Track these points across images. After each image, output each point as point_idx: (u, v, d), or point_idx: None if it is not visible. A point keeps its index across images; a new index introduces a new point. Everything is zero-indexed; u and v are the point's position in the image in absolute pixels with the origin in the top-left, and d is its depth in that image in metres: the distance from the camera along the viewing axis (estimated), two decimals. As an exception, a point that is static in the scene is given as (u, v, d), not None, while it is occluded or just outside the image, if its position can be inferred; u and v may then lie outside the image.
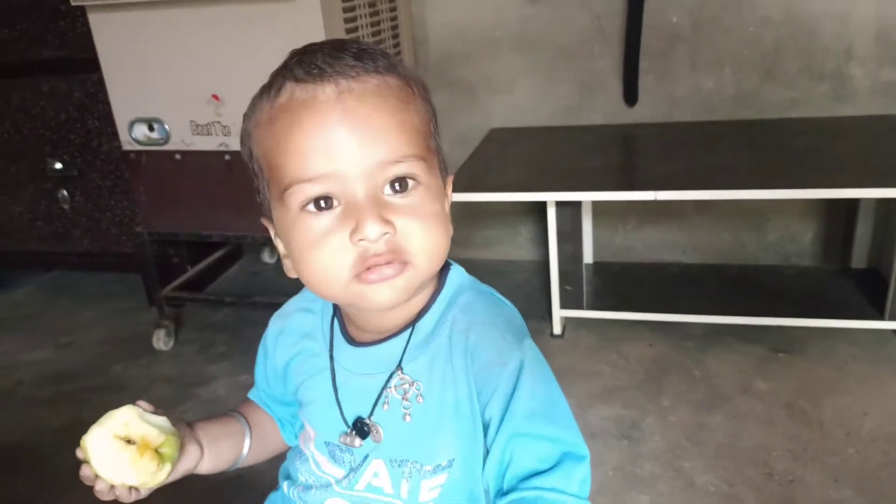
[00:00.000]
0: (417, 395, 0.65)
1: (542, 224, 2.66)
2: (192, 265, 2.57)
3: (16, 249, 2.66)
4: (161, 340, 2.28)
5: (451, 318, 0.66)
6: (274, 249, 2.94)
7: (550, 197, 2.01)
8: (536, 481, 0.59)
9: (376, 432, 0.67)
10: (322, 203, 0.58)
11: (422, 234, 0.59)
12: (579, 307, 2.16)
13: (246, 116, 0.63)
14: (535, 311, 2.29)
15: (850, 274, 2.28)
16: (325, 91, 0.56)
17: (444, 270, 0.69)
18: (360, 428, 0.67)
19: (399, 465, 0.67)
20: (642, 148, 2.38)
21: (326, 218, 0.58)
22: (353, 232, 0.57)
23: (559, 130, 2.50)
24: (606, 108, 2.47)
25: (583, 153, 2.28)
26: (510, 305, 0.70)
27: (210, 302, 2.49)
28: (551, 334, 2.17)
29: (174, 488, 0.71)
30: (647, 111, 2.43)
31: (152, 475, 0.65)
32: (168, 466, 0.66)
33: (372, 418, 0.67)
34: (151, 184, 2.19)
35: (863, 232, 2.32)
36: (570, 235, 2.12)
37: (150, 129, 2.11)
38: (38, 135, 2.49)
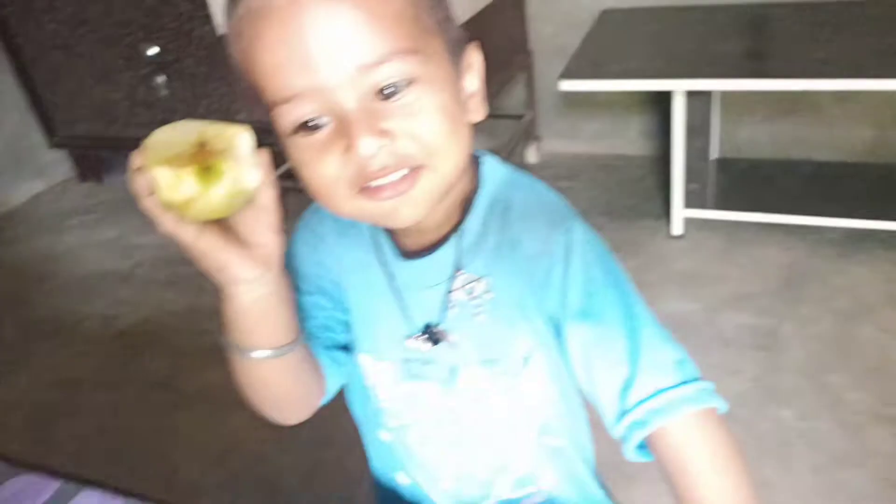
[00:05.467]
0: (486, 291, 0.61)
1: (656, 116, 2.47)
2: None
3: (119, 135, 2.64)
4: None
5: (499, 213, 0.61)
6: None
7: (679, 85, 1.83)
8: (633, 395, 0.54)
9: (450, 338, 0.63)
10: (310, 125, 0.52)
11: (428, 131, 0.52)
12: (703, 206, 2.01)
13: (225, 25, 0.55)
14: (649, 210, 2.14)
15: None
16: None
17: (476, 164, 0.63)
18: (431, 335, 0.64)
19: (491, 364, 0.63)
20: (780, 30, 2.12)
21: (318, 137, 0.52)
22: (346, 150, 0.51)
23: (681, 11, 2.25)
24: (741, -16, 2.20)
25: (711, 37, 2.04)
26: (553, 192, 0.64)
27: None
28: (669, 235, 2.04)
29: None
30: (789, -13, 2.15)
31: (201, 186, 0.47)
32: (223, 189, 0.48)
33: (441, 326, 0.63)
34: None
35: None
36: (698, 129, 1.94)
37: (251, 9, 1.99)
38: (129, 18, 2.40)
